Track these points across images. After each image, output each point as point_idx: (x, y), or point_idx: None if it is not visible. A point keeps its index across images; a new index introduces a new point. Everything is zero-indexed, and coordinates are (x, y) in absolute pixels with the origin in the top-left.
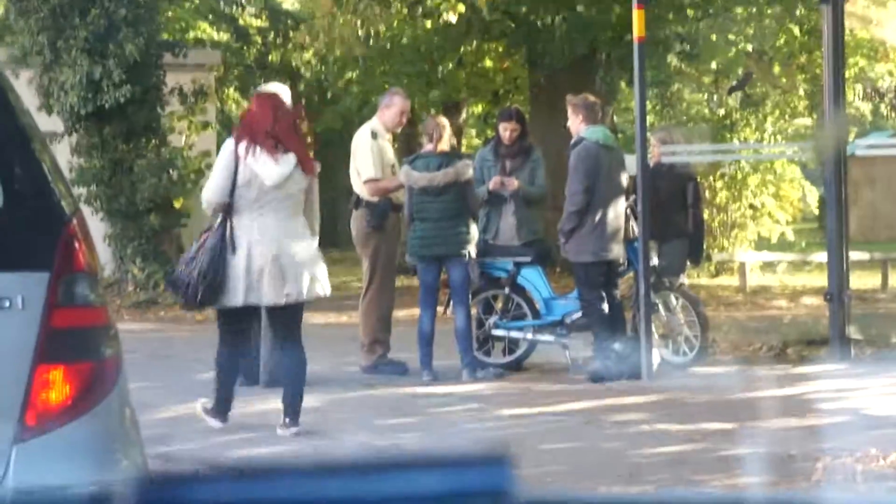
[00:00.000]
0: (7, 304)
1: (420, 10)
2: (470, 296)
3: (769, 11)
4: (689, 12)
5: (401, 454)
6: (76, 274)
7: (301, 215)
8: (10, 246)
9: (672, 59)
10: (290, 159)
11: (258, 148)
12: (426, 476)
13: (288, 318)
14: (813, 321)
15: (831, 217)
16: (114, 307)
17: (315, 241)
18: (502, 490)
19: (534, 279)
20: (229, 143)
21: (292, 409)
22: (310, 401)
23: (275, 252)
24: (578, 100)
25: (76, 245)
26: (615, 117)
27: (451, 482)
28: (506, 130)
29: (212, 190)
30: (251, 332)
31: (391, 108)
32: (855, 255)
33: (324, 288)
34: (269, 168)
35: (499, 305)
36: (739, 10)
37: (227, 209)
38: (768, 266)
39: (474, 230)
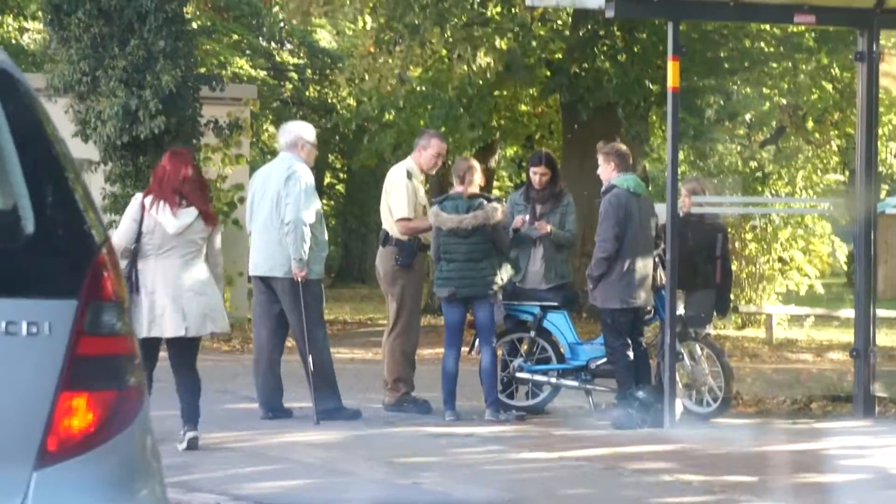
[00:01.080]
0: (35, 330)
1: (457, 53)
2: (496, 337)
3: (804, 67)
4: (725, 65)
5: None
6: (103, 302)
7: (202, 260)
8: (39, 272)
9: (707, 112)
10: (191, 212)
11: (162, 202)
12: None
13: (185, 349)
14: (838, 377)
15: (860, 273)
16: None
17: (216, 284)
18: None
19: (560, 324)
20: (138, 195)
21: (192, 419)
22: (332, 436)
23: (174, 292)
24: (609, 148)
25: (104, 274)
26: (647, 166)
27: None
28: (535, 174)
29: (118, 235)
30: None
31: (428, 150)
32: (883, 313)
33: (218, 325)
34: (169, 219)
35: (524, 348)
36: (774, 65)
37: (134, 254)
38: (796, 320)
39: (501, 272)
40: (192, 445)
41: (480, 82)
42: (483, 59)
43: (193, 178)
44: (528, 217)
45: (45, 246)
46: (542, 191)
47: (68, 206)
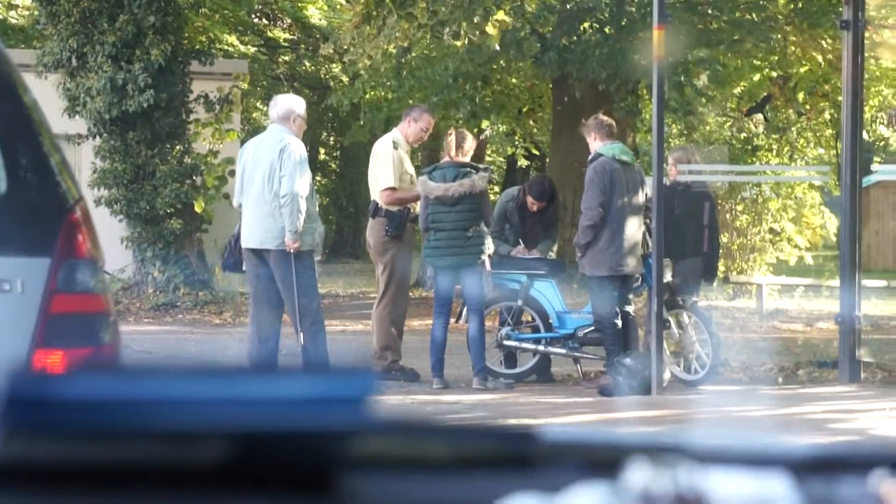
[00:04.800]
0: (7, 287)
1: (448, 29)
2: (484, 306)
3: (794, 39)
4: (714, 27)
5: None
6: (77, 260)
7: None
8: (12, 231)
9: (696, 82)
10: None
11: None
12: (290, 381)
13: None
14: (825, 344)
15: (844, 241)
16: (133, 309)
17: None
18: (363, 397)
19: (547, 292)
20: None
21: None
22: None
23: None
24: (590, 122)
25: (78, 232)
26: (637, 139)
27: (314, 388)
28: (532, 205)
29: None
30: None
31: (418, 124)
32: (872, 283)
33: None
34: None
35: (511, 318)
36: (762, 44)
37: None
38: (786, 290)
39: (489, 241)
40: None
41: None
42: (492, 29)
43: None
44: (521, 248)
45: (18, 205)
46: (535, 215)
47: (41, 166)
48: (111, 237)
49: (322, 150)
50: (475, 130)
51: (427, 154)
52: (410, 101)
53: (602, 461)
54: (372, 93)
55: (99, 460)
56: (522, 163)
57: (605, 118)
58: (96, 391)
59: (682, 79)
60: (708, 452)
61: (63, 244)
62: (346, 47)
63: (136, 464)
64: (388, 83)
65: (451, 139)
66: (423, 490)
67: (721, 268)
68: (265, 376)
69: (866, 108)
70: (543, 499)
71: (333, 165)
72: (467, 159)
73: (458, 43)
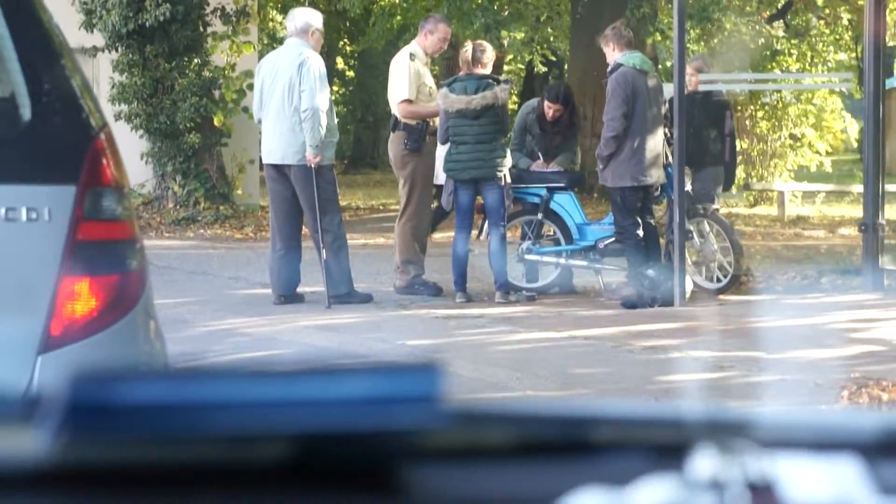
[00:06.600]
0: (34, 216)
1: None
2: (505, 220)
3: None
4: None
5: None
6: (103, 187)
7: None
8: (36, 159)
9: None
10: None
11: None
12: (355, 381)
13: None
14: (848, 251)
15: (867, 147)
16: (154, 224)
17: None
18: (431, 396)
19: (567, 205)
20: None
21: None
22: (344, 319)
23: None
24: (607, 31)
25: (103, 159)
26: (654, 44)
27: (380, 387)
28: (549, 109)
29: None
30: None
31: (435, 35)
32: (893, 188)
33: None
34: None
35: (532, 232)
36: None
37: None
38: (808, 196)
39: (509, 154)
40: None
41: None
42: None
43: None
44: (540, 162)
45: (43, 132)
46: (554, 124)
47: (65, 92)
48: (131, 152)
49: (340, 59)
50: (495, 41)
51: (445, 65)
52: (421, 8)
53: (667, 446)
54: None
55: (159, 464)
56: (540, 69)
57: (623, 28)
58: (156, 395)
59: None
60: (775, 435)
61: (88, 171)
62: None
63: (197, 467)
64: None
65: (468, 51)
66: (485, 482)
67: (741, 174)
68: (328, 376)
69: (887, 12)
70: (610, 493)
71: (351, 73)
72: (487, 71)
73: None
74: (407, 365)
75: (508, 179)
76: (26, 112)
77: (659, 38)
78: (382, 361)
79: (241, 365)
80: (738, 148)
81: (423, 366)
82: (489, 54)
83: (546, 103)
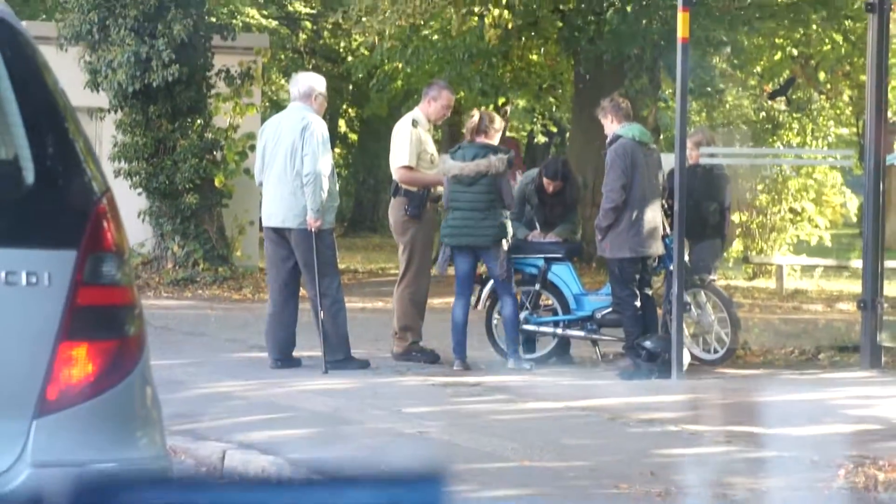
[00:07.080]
0: (34, 280)
1: (464, 10)
2: (513, 286)
3: (814, 17)
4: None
5: (342, 469)
6: (104, 253)
7: None
8: (39, 223)
9: (717, 62)
10: None
11: None
12: (358, 493)
13: None
14: (846, 327)
15: (867, 223)
16: (152, 283)
17: None
18: None
19: (564, 275)
20: None
21: None
22: (340, 385)
23: None
24: (605, 103)
25: (105, 224)
26: (655, 114)
27: (384, 498)
28: (549, 185)
29: None
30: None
31: (438, 101)
32: (893, 264)
33: None
34: None
35: (530, 302)
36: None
37: None
38: (807, 270)
39: (507, 224)
40: None
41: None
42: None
43: None
44: (537, 232)
45: (46, 196)
46: (553, 197)
47: (69, 156)
48: (130, 210)
49: (342, 123)
50: (492, 107)
51: (447, 131)
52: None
53: None
54: (388, 64)
55: None
56: (540, 139)
57: (619, 99)
58: (159, 501)
59: (704, 51)
60: None
61: (90, 236)
62: (355, 19)
63: None
64: (401, 51)
65: (474, 120)
66: None
67: (740, 247)
68: (331, 488)
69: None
70: None
71: (353, 137)
72: (493, 141)
73: (475, 20)
74: (409, 476)
75: (504, 250)
76: (29, 175)
77: (662, 105)
78: (385, 472)
79: (247, 475)
80: (737, 220)
81: (426, 477)
82: (497, 125)
83: (545, 180)
